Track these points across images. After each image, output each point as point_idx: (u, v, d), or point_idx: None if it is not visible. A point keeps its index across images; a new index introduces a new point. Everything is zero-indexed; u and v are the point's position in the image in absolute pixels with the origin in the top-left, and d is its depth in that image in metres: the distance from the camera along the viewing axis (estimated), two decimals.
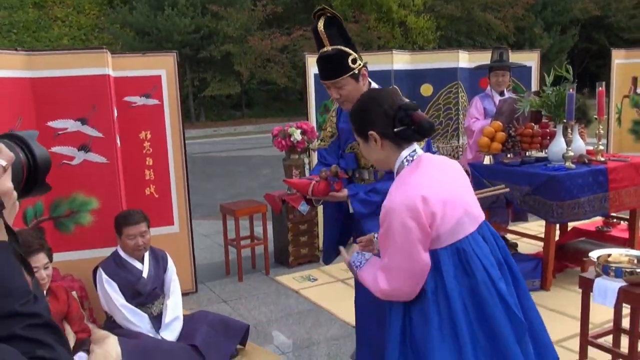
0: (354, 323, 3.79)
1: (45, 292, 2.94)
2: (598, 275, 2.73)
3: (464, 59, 5.87)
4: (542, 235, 4.44)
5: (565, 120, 4.27)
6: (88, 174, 3.78)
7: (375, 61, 5.44)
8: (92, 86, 3.72)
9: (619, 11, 26.84)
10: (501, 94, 5.06)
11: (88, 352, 2.96)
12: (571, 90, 4.28)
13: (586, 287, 2.78)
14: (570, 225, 5.13)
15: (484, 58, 5.74)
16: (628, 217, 4.76)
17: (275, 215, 5.05)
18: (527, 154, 4.67)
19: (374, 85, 2.65)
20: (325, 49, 2.52)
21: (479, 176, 4.67)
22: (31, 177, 0.95)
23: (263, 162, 12.70)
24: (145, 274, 3.38)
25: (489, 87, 5.17)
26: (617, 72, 6.95)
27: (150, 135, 4.29)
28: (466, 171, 4.71)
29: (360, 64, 2.54)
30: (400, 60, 5.56)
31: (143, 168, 4.27)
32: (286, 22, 23.18)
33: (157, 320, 3.38)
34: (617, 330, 2.94)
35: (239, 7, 20.43)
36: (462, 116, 5.82)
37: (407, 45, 22.63)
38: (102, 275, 3.30)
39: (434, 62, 5.75)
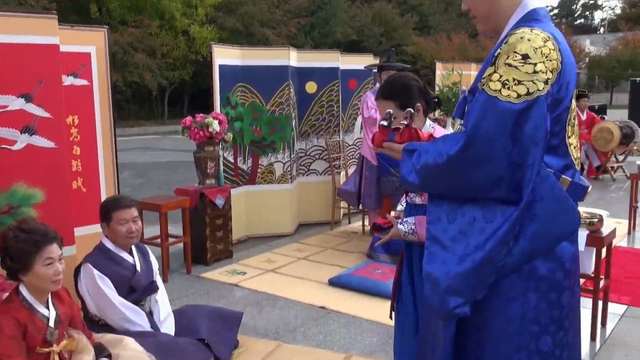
0: (314, 303, 3.93)
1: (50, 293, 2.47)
2: None
3: (339, 60, 6.30)
4: None
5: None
6: (32, 161, 3.19)
7: (274, 56, 5.58)
8: (39, 57, 3.16)
9: (370, 37, 30.62)
10: None
11: (109, 357, 2.58)
12: (464, 87, 5.03)
13: None
14: None
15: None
16: None
17: (191, 211, 4.79)
18: None
19: None
20: None
21: (385, 164, 5.13)
22: None
23: None
24: (138, 268, 3.03)
25: (377, 85, 5.67)
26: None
27: (78, 121, 3.78)
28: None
29: None
30: (292, 58, 5.76)
31: (69, 158, 3.73)
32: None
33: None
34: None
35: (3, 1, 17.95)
36: (342, 113, 6.28)
37: (190, 56, 22.48)
38: (93, 272, 2.87)
39: (318, 61, 6.08)
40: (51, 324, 2.40)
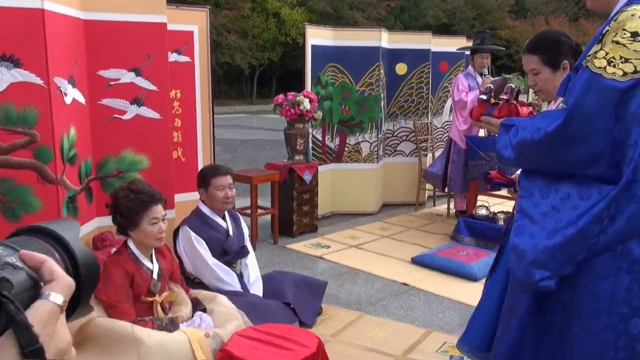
0: (396, 279, 4.00)
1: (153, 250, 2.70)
2: None
3: (430, 42, 6.25)
4: None
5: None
6: (139, 130, 3.46)
7: (366, 37, 5.63)
8: (149, 35, 3.41)
9: (462, 20, 29.80)
10: (481, 74, 5.50)
11: (204, 311, 2.78)
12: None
13: None
14: None
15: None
16: None
17: (279, 185, 4.99)
18: None
19: None
20: None
21: (474, 147, 5.07)
22: (74, 295, 0.63)
23: None
24: (231, 232, 3.23)
25: (470, 67, 5.59)
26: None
27: (180, 95, 4.03)
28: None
29: None
30: (383, 39, 5.78)
31: (172, 129, 4.00)
32: None
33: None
34: None
35: None
36: (431, 95, 6.25)
37: (280, 37, 22.90)
38: (190, 234, 3.09)
39: (409, 42, 6.07)
40: (154, 276, 2.63)
